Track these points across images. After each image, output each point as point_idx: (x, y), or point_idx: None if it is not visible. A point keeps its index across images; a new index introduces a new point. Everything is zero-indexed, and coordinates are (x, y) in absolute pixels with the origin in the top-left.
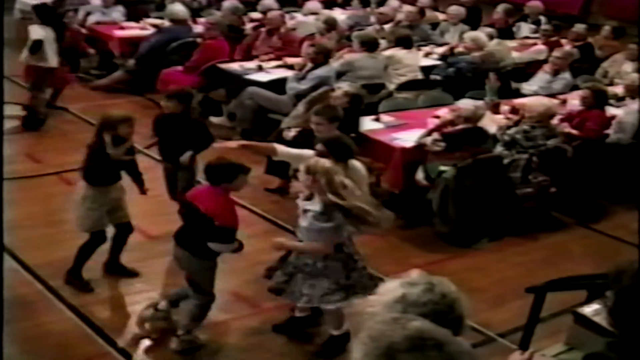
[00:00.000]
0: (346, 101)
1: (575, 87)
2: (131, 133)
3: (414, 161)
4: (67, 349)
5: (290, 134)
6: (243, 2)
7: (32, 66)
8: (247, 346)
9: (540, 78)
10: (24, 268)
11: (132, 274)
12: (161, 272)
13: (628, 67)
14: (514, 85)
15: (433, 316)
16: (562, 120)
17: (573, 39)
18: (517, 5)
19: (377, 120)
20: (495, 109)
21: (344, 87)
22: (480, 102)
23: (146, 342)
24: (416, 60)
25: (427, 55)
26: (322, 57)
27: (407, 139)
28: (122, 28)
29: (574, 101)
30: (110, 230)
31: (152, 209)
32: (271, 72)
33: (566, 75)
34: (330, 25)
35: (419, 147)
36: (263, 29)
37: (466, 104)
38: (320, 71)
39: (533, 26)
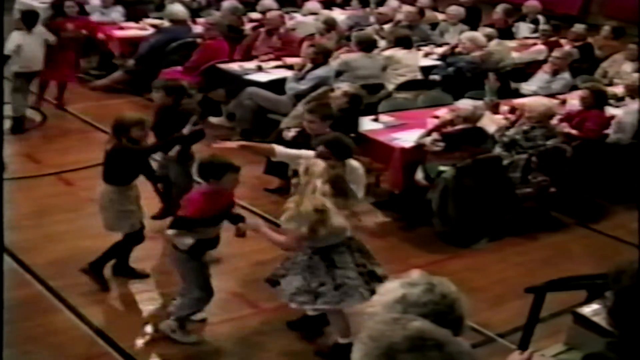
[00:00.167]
0: (345, 101)
1: (574, 87)
2: (144, 135)
3: (414, 161)
4: (66, 349)
5: (290, 134)
6: (242, 3)
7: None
8: (247, 346)
9: (540, 78)
10: (23, 268)
11: (142, 275)
12: (161, 272)
13: (628, 67)
14: (513, 85)
15: (433, 316)
16: (561, 120)
17: (572, 39)
18: (516, 5)
19: (377, 120)
20: (495, 109)
21: (343, 87)
22: (479, 102)
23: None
24: (416, 60)
25: (426, 55)
26: (321, 57)
27: (407, 139)
28: (121, 28)
29: (574, 101)
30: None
31: (153, 209)
32: (271, 72)
33: (565, 76)
34: (330, 25)
35: (419, 147)
36: (262, 29)
37: (465, 104)
38: (320, 71)
39: (532, 25)
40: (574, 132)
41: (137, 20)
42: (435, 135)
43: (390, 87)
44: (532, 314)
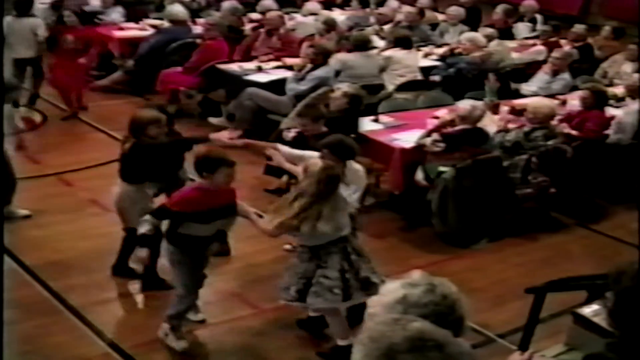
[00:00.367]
0: (345, 102)
1: (574, 88)
2: (161, 134)
3: (414, 162)
4: (66, 350)
5: (290, 134)
6: (242, 3)
7: None
8: (247, 347)
9: (540, 79)
10: (23, 269)
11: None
12: (163, 272)
13: (628, 67)
14: (513, 85)
15: (434, 317)
16: (561, 121)
17: (572, 40)
18: (515, 5)
19: (377, 120)
20: (495, 110)
21: (343, 87)
22: (479, 103)
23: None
24: (416, 60)
25: (426, 55)
26: (321, 57)
27: (407, 139)
28: (121, 29)
29: (574, 102)
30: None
31: None
32: (270, 72)
33: (565, 76)
34: (330, 25)
35: (419, 147)
36: (262, 30)
37: (465, 105)
38: (320, 72)
39: (529, 24)
40: (574, 132)
41: (137, 20)
42: (435, 136)
43: (390, 87)
44: (532, 315)
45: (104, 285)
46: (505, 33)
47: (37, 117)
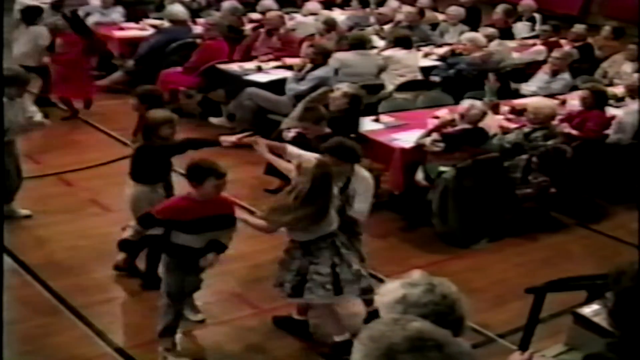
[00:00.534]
0: (345, 102)
1: (574, 88)
2: (173, 134)
3: (414, 162)
4: (66, 350)
5: (290, 134)
6: (242, 3)
7: None
8: (247, 347)
9: (540, 78)
10: (23, 269)
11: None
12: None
13: (628, 67)
14: (513, 85)
15: (434, 317)
16: (561, 121)
17: (573, 40)
18: (514, 4)
19: (377, 120)
20: (495, 110)
21: (343, 87)
22: (480, 103)
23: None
24: (416, 60)
25: (426, 55)
26: (321, 57)
27: (407, 139)
28: (121, 29)
29: (574, 102)
30: None
31: None
32: (270, 72)
33: (565, 76)
34: (330, 25)
35: (419, 147)
36: (262, 30)
37: (467, 105)
38: (320, 72)
39: (528, 23)
40: (574, 132)
41: (137, 20)
42: (435, 136)
43: (390, 87)
44: (533, 315)
45: (105, 285)
46: (506, 33)
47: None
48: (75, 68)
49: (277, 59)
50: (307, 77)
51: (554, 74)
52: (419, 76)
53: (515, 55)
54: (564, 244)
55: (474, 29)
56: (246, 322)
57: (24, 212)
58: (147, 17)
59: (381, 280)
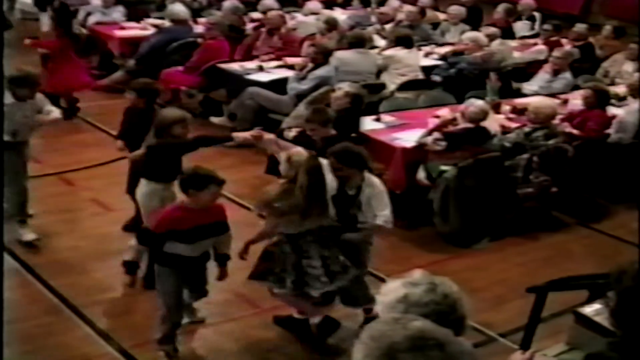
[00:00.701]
0: (347, 101)
1: (575, 87)
2: (185, 133)
3: (415, 161)
4: (67, 350)
5: (291, 134)
6: (243, 2)
7: None
8: (247, 346)
9: (541, 78)
10: (25, 268)
11: None
12: None
13: (629, 66)
14: (514, 85)
15: (435, 316)
16: (562, 120)
17: (574, 39)
18: (513, 3)
19: (378, 120)
20: (496, 109)
21: (344, 87)
22: (483, 102)
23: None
24: (417, 60)
25: (427, 55)
26: (322, 57)
27: (408, 139)
28: (122, 28)
29: (575, 101)
30: None
31: None
32: (272, 72)
33: (566, 75)
34: (331, 25)
35: (420, 147)
36: (263, 29)
37: (470, 104)
38: (321, 71)
39: (528, 22)
40: (575, 131)
41: (138, 20)
42: (436, 135)
43: (392, 86)
44: (534, 314)
45: (105, 284)
46: (507, 32)
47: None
48: (61, 60)
49: (278, 58)
50: (309, 76)
51: (555, 73)
52: (420, 75)
53: (516, 54)
54: (565, 244)
55: (475, 28)
56: (247, 322)
57: (31, 236)
58: (148, 17)
59: (382, 280)
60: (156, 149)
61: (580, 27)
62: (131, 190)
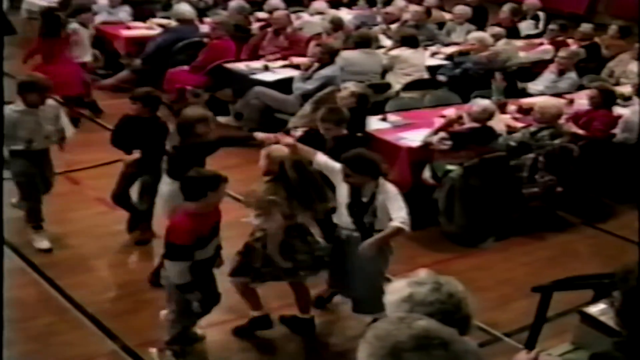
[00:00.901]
0: (353, 101)
1: (581, 87)
2: (208, 132)
3: (421, 160)
4: (74, 348)
5: (297, 133)
6: (249, 2)
7: None
8: (253, 345)
9: (546, 78)
10: (31, 267)
11: None
12: None
13: (634, 66)
14: (520, 84)
15: (440, 315)
16: (568, 120)
17: (579, 39)
18: (518, 3)
19: (384, 119)
20: (502, 109)
21: (350, 87)
22: (489, 102)
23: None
24: (422, 59)
25: (433, 54)
26: (328, 56)
27: (414, 138)
28: (128, 28)
29: (581, 101)
30: None
31: None
32: (277, 71)
33: (572, 75)
34: (337, 25)
35: (425, 146)
36: (269, 29)
37: (476, 104)
38: (327, 71)
39: (532, 21)
40: (581, 131)
41: (144, 19)
42: (442, 134)
43: (397, 86)
44: (539, 314)
45: (111, 283)
46: (512, 32)
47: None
48: (49, 64)
49: (284, 58)
50: (314, 76)
51: (561, 73)
52: (426, 75)
53: (521, 54)
54: (570, 243)
55: (481, 28)
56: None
57: (44, 244)
58: (154, 16)
59: (388, 279)
60: (182, 149)
61: (585, 26)
62: (121, 196)
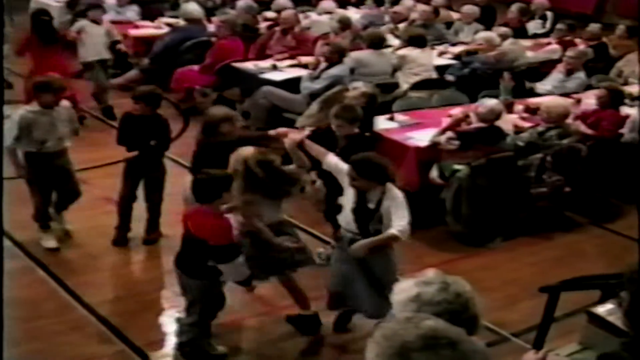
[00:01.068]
0: (364, 101)
1: (589, 87)
2: (232, 131)
3: (428, 160)
4: (81, 347)
5: (305, 133)
6: (257, 1)
7: None
8: (262, 345)
9: (554, 77)
10: (39, 266)
11: None
12: None
13: None
14: (528, 84)
15: (447, 315)
16: (576, 118)
17: (587, 39)
18: (527, 3)
19: (392, 119)
20: (509, 109)
21: (360, 87)
22: (497, 102)
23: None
24: (430, 59)
25: (441, 54)
26: (336, 56)
27: (421, 138)
28: (136, 27)
29: (589, 101)
30: None
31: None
32: (285, 71)
33: (580, 75)
34: (345, 24)
35: (433, 146)
36: (277, 28)
37: (484, 103)
38: (335, 70)
39: (540, 21)
40: (589, 131)
41: (152, 19)
42: (449, 134)
43: (405, 86)
44: (547, 314)
45: (118, 282)
46: (520, 32)
47: None
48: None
49: (292, 57)
50: (322, 75)
51: (569, 73)
52: (434, 75)
53: (529, 54)
54: (578, 243)
55: (489, 27)
56: (260, 321)
57: (51, 244)
58: (162, 16)
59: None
60: (206, 147)
61: (593, 26)
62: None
